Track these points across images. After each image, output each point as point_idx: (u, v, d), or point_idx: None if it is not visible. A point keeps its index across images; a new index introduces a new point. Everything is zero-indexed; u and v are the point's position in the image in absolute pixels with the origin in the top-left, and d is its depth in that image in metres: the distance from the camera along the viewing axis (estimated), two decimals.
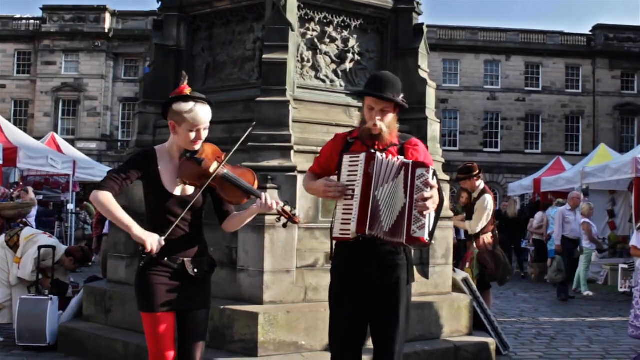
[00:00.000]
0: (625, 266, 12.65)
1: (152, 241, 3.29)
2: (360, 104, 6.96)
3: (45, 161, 14.44)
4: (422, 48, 7.24)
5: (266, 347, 5.45)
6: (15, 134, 14.55)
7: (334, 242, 3.79)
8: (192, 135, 3.43)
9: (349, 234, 3.63)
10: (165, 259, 3.43)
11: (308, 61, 6.80)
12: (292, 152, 6.16)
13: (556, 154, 30.54)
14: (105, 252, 8.55)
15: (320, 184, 3.78)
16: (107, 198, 3.30)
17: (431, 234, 3.59)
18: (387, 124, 3.75)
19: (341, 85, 6.94)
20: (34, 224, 12.05)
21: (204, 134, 3.48)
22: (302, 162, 6.11)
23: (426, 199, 3.49)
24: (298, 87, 6.66)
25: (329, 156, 3.94)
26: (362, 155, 3.64)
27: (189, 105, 3.42)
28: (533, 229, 15.91)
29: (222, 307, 5.63)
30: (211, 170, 3.46)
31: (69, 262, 7.68)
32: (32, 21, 38.71)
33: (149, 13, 35.61)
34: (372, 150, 3.71)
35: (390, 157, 3.66)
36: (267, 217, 5.78)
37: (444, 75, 38.77)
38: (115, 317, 6.49)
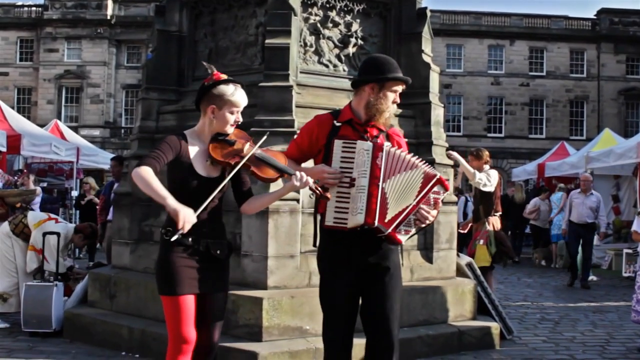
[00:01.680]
0: (630, 251, 12.66)
1: (186, 215, 3.24)
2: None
3: (48, 148, 14.45)
4: (426, 32, 7.20)
5: (270, 332, 5.47)
6: (19, 122, 14.55)
7: (320, 229, 3.77)
8: (232, 117, 3.57)
9: (345, 223, 3.61)
10: (190, 239, 3.46)
11: (311, 46, 6.77)
12: (295, 137, 6.14)
13: (560, 139, 30.42)
14: (109, 239, 8.57)
15: (319, 169, 3.69)
16: (148, 172, 3.31)
17: (404, 240, 3.71)
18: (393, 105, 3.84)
19: (344, 70, 6.91)
20: (38, 210, 12.08)
21: (241, 117, 3.62)
22: None
23: (427, 215, 3.61)
24: (301, 72, 6.64)
25: (314, 139, 3.85)
26: (367, 145, 3.61)
27: (231, 88, 3.56)
28: (526, 214, 16.01)
29: None
30: (245, 150, 3.57)
31: (78, 239, 7.73)
32: (34, 8, 38.59)
33: None
34: (379, 141, 3.68)
35: (398, 150, 3.66)
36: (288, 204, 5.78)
37: (447, 60, 38.58)
38: (120, 303, 6.52)
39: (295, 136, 4.00)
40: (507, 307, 8.50)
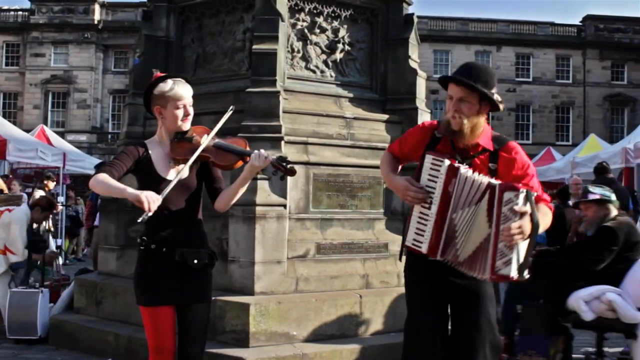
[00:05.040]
0: None
1: (148, 196, 3.09)
2: (350, 95, 7.01)
3: (35, 154, 14.36)
4: (413, 38, 7.23)
5: (257, 338, 5.46)
6: (5, 127, 14.47)
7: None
8: (180, 112, 3.46)
9: (420, 248, 3.26)
10: (164, 249, 3.39)
11: (298, 52, 6.78)
12: (283, 142, 6.15)
13: (546, 144, 30.67)
14: (96, 244, 8.53)
15: (403, 184, 3.31)
16: (103, 176, 3.23)
17: (522, 267, 3.09)
18: (471, 121, 3.25)
19: (331, 76, 6.93)
20: None
21: (191, 110, 3.51)
22: (293, 153, 6.11)
23: (513, 231, 3.01)
24: (288, 78, 6.65)
25: (414, 147, 3.51)
26: (445, 165, 3.17)
27: (168, 84, 3.47)
28: None
29: (213, 298, 5.62)
30: (202, 142, 3.46)
31: (37, 214, 7.68)
32: (20, 12, 38.41)
33: (139, 4, 35.36)
34: (456, 163, 3.20)
35: (475, 174, 3.17)
36: (257, 208, 5.79)
37: (434, 66, 38.74)
38: (106, 309, 6.48)
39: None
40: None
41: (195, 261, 3.46)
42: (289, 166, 3.37)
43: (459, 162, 3.24)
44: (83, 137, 36.76)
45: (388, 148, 3.67)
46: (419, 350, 3.43)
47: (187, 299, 3.47)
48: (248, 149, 3.51)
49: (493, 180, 3.15)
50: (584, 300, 4.61)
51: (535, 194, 3.20)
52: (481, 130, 3.32)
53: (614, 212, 5.09)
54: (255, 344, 5.43)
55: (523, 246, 3.09)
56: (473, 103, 3.25)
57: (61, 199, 15.32)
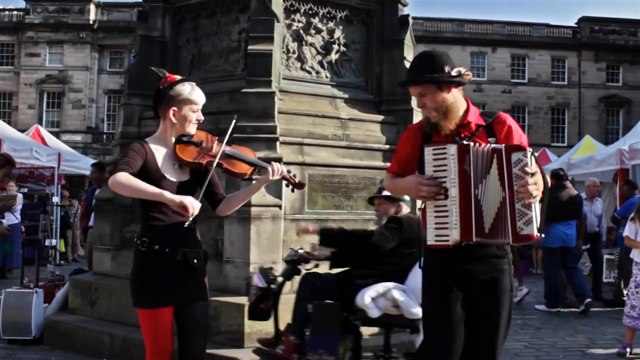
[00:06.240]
0: (610, 257, 12.74)
1: (192, 201, 3.15)
2: (346, 95, 7.02)
3: (29, 154, 14.31)
4: (408, 39, 7.25)
5: (252, 338, 5.45)
6: None
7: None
8: (194, 116, 3.51)
9: (448, 241, 3.14)
10: (167, 250, 3.37)
11: (293, 52, 6.79)
12: (278, 143, 6.16)
13: (542, 145, 30.70)
14: (90, 245, 8.52)
15: (414, 181, 3.23)
16: (127, 176, 3.20)
17: (540, 228, 3.07)
18: (438, 107, 3.24)
19: (327, 77, 6.94)
20: (19, 216, 11.99)
21: (201, 115, 3.57)
22: (288, 153, 6.12)
23: (529, 188, 2.99)
24: (283, 79, 6.65)
25: (410, 152, 3.43)
26: (452, 148, 3.11)
27: (188, 87, 3.51)
28: None
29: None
30: (214, 148, 3.51)
31: None
32: (15, 12, 38.28)
33: (134, 4, 35.31)
34: (464, 141, 3.16)
35: (482, 145, 3.14)
36: (252, 209, 5.79)
37: None
38: (101, 310, 6.48)
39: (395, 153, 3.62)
40: None
41: (196, 260, 3.47)
42: (297, 180, 3.57)
43: (457, 142, 3.19)
44: (78, 137, 36.67)
45: (388, 170, 3.61)
46: None
47: (187, 299, 3.46)
48: (257, 158, 3.64)
49: (497, 145, 3.13)
50: (371, 297, 4.68)
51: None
52: (461, 108, 3.31)
53: (405, 209, 5.23)
54: (250, 345, 5.43)
55: (537, 206, 3.07)
56: (432, 92, 3.24)
57: (56, 199, 15.29)
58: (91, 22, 37.51)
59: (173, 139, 3.52)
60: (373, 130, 6.90)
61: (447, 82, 3.24)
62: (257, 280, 4.82)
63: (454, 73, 3.25)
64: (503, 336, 3.30)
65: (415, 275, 4.67)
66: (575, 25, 41.01)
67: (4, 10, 38.54)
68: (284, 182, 3.66)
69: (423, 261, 3.40)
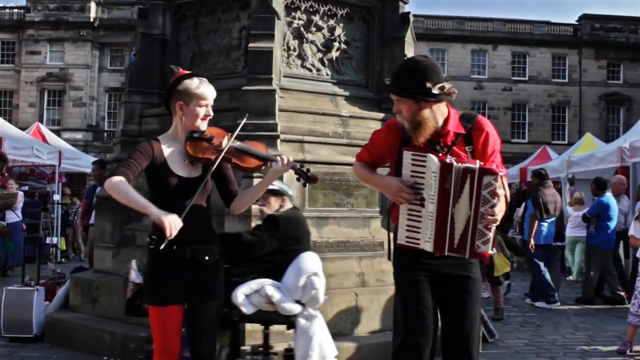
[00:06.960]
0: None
1: (172, 221, 3.14)
2: (346, 93, 7.01)
3: (30, 152, 14.30)
4: (408, 37, 7.24)
5: (253, 336, 5.46)
6: (0, 125, 14.41)
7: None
8: (202, 111, 3.47)
9: (417, 244, 3.26)
10: (174, 247, 3.32)
11: (294, 50, 6.78)
12: (279, 141, 6.16)
13: (542, 143, 30.63)
14: (91, 242, 8.52)
15: (396, 185, 3.27)
16: (122, 183, 3.21)
17: (492, 243, 3.25)
18: (411, 119, 3.26)
19: (327, 74, 6.94)
20: (20, 214, 11.99)
21: (211, 111, 3.52)
22: (289, 151, 6.11)
23: (494, 213, 3.13)
24: (284, 76, 6.65)
25: (385, 150, 3.49)
26: (434, 164, 3.15)
27: (195, 81, 3.48)
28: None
29: None
30: (224, 144, 3.49)
31: None
32: (15, 10, 38.26)
33: (135, 2, 35.24)
34: (447, 159, 3.17)
35: (460, 164, 3.15)
36: (253, 207, 5.78)
37: None
38: (101, 307, 6.48)
39: (367, 142, 3.64)
40: (489, 310, 8.53)
41: (207, 257, 3.45)
42: (310, 173, 3.52)
43: (438, 152, 3.25)
44: (79, 135, 36.67)
45: (357, 157, 3.65)
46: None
47: (197, 298, 3.45)
48: (268, 152, 3.60)
49: (470, 165, 3.16)
50: (245, 294, 4.67)
51: (502, 171, 3.25)
52: (441, 118, 3.31)
53: (288, 205, 5.23)
54: (250, 342, 5.43)
55: (494, 227, 3.21)
56: (409, 104, 3.26)
57: (57, 197, 15.29)
58: (92, 20, 37.48)
59: (184, 135, 3.50)
60: (374, 127, 6.87)
61: (422, 100, 3.25)
62: (135, 277, 4.73)
63: (435, 90, 3.23)
64: (477, 329, 3.41)
65: (292, 272, 4.72)
66: (576, 23, 40.95)
67: (4, 8, 38.51)
68: (296, 177, 3.61)
69: (393, 256, 3.50)
